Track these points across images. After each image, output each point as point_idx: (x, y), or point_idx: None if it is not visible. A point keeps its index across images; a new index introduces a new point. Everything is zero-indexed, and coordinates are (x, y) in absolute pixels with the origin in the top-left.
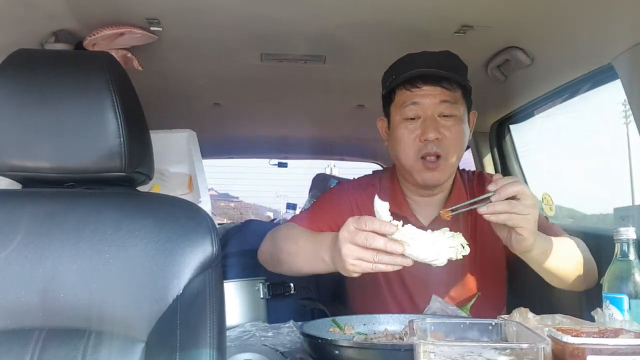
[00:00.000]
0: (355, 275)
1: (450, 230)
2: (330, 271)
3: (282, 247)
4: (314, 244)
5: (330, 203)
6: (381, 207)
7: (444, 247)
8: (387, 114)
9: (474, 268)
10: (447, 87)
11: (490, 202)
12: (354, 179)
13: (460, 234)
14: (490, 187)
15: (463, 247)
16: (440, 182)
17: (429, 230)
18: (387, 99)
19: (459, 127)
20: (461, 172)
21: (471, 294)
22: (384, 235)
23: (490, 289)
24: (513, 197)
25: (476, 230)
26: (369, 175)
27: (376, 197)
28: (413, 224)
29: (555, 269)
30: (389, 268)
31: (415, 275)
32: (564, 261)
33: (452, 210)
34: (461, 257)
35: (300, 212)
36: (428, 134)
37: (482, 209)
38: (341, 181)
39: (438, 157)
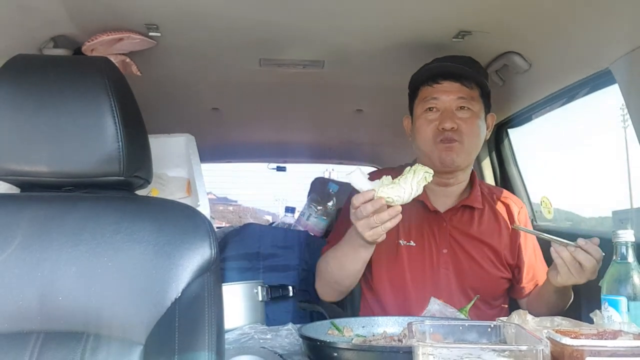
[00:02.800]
0: (380, 240)
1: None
2: (372, 249)
3: (331, 272)
4: (345, 246)
5: (344, 215)
6: (355, 179)
7: (414, 183)
8: (411, 110)
9: (475, 270)
10: (465, 84)
11: (565, 246)
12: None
13: (419, 164)
14: (580, 241)
15: (427, 172)
16: (456, 164)
17: (397, 178)
18: (412, 96)
19: (475, 120)
20: (480, 182)
21: (471, 290)
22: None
23: (490, 291)
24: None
25: (481, 234)
26: (384, 168)
27: (349, 176)
28: (428, 209)
29: (554, 302)
30: (395, 220)
31: (415, 277)
32: (564, 300)
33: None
34: (431, 179)
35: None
36: (445, 123)
37: (556, 242)
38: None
39: (455, 141)
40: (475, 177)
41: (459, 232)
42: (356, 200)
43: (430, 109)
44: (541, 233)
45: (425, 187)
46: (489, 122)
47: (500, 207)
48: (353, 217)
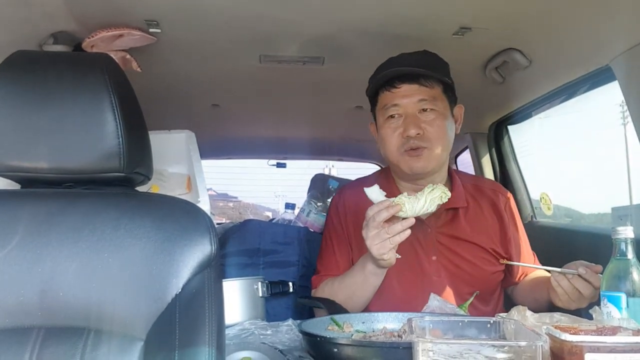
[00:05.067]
0: (387, 257)
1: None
2: (382, 276)
3: (340, 300)
4: (355, 273)
5: (330, 238)
6: (372, 192)
7: (428, 199)
8: (374, 116)
9: (469, 271)
10: (425, 84)
11: (563, 273)
12: (344, 187)
13: (439, 184)
14: (580, 270)
15: (445, 193)
16: (427, 170)
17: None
18: (372, 102)
19: (441, 121)
20: (460, 175)
21: (468, 293)
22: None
23: (487, 287)
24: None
25: (469, 233)
26: (366, 177)
27: (365, 189)
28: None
29: (545, 305)
30: (404, 235)
31: (405, 289)
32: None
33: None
34: (446, 200)
35: (318, 262)
36: (409, 130)
37: (556, 272)
38: (332, 205)
39: (422, 148)
40: (453, 173)
41: (446, 236)
42: (371, 210)
43: (392, 116)
44: (536, 266)
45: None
46: (457, 113)
47: (485, 200)
48: (364, 230)
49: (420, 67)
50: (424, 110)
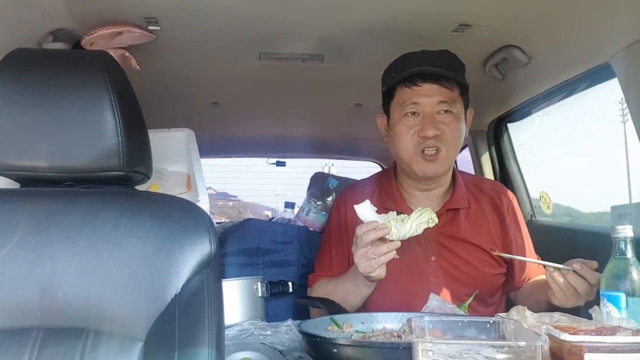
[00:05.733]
0: (375, 275)
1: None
2: (373, 286)
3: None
4: (348, 281)
5: (328, 238)
6: (361, 210)
7: (415, 223)
8: (387, 111)
9: (468, 273)
10: (445, 85)
11: (559, 269)
12: (347, 188)
13: (429, 209)
14: (575, 266)
15: (432, 219)
16: (439, 174)
17: (402, 215)
18: (387, 97)
19: (457, 124)
20: (463, 175)
21: (467, 295)
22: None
23: (487, 289)
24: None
25: (470, 235)
26: (369, 177)
27: (355, 206)
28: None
29: (546, 307)
30: (389, 256)
31: (403, 290)
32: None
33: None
34: (433, 225)
35: (315, 261)
36: (427, 130)
37: (551, 268)
38: (334, 206)
39: (437, 150)
40: (456, 172)
41: (446, 236)
42: (359, 229)
43: (409, 113)
44: (531, 259)
45: (405, 194)
46: (468, 117)
47: (486, 200)
48: (353, 247)
49: (442, 67)
50: (443, 111)
